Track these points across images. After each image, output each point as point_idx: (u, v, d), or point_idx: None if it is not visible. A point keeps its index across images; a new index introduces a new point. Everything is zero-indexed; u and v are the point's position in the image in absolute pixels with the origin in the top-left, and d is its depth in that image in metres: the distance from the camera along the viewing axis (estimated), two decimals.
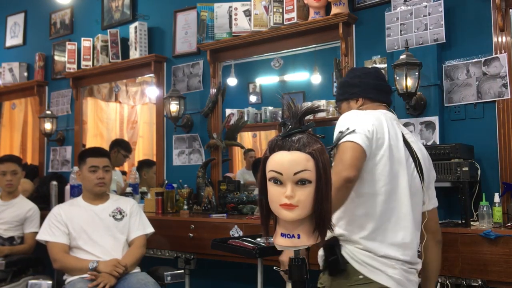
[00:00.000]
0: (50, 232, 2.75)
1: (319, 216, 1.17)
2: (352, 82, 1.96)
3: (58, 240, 2.72)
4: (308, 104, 1.35)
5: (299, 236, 1.18)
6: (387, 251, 1.71)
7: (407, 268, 1.74)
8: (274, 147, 1.18)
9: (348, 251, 1.72)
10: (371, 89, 1.92)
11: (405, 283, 1.71)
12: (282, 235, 1.20)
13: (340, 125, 1.74)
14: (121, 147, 4.40)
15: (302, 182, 1.15)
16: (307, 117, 1.21)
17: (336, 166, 1.65)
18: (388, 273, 1.68)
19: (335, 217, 1.68)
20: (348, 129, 1.68)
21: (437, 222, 1.97)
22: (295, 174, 1.14)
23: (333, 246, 1.72)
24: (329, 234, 1.56)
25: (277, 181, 1.16)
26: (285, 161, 1.15)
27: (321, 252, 1.79)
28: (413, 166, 1.81)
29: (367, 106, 1.91)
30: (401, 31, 2.84)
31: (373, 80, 1.94)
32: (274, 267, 1.54)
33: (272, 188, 1.17)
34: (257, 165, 3.61)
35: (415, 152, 1.84)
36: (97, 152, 2.94)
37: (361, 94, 1.93)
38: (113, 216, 2.84)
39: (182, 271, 2.83)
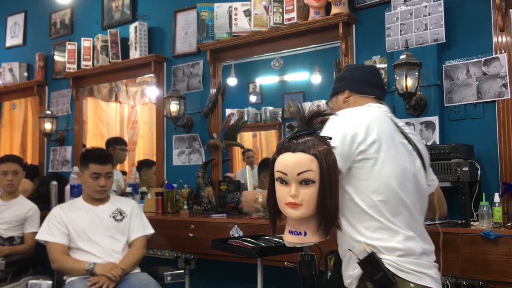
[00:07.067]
0: (49, 232, 2.75)
1: (323, 214, 1.22)
2: (342, 76, 1.92)
3: (57, 241, 2.72)
4: (316, 107, 1.37)
5: (305, 233, 1.25)
6: (424, 246, 1.62)
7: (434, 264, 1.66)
8: (281, 149, 1.25)
9: (391, 262, 1.55)
10: (358, 82, 1.85)
11: (439, 281, 1.65)
12: (290, 232, 1.27)
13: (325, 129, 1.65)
14: (115, 143, 4.38)
15: (305, 182, 1.20)
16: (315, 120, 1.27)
17: None
18: (431, 274, 1.59)
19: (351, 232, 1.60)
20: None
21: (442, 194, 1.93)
22: (298, 174, 1.20)
23: (374, 262, 1.54)
24: (359, 250, 1.54)
25: (283, 181, 1.23)
26: (289, 162, 1.21)
27: (354, 271, 1.61)
28: (415, 155, 1.73)
29: (354, 99, 1.83)
30: (401, 31, 2.84)
31: (363, 74, 1.88)
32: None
33: (278, 188, 1.24)
34: (263, 165, 3.62)
35: (412, 140, 1.76)
36: (100, 158, 2.86)
37: (347, 86, 1.87)
38: (113, 217, 2.84)
39: (182, 271, 2.83)
